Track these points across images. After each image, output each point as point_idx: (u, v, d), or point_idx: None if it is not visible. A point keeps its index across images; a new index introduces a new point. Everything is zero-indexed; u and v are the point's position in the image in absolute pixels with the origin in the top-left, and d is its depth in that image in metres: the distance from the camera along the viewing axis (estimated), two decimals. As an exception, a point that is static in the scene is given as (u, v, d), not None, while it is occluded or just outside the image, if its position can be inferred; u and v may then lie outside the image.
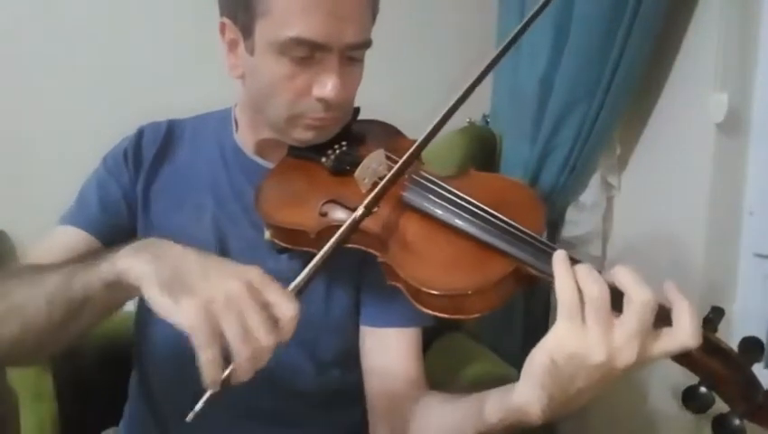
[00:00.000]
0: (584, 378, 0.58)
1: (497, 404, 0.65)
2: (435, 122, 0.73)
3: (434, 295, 0.65)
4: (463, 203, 0.73)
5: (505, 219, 0.69)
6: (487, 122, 1.71)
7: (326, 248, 0.64)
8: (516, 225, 0.68)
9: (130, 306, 1.81)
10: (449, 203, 0.73)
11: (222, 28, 0.83)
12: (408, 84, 1.80)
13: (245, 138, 0.91)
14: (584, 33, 1.38)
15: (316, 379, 0.89)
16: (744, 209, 1.33)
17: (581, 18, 1.38)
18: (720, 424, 0.56)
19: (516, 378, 0.64)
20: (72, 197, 0.96)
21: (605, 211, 1.58)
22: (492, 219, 0.70)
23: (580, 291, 0.57)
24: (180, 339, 0.86)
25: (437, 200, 0.74)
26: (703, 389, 0.57)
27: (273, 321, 0.55)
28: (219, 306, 0.54)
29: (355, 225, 0.68)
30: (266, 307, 0.55)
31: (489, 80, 1.74)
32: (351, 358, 0.89)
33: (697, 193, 1.33)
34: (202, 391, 0.54)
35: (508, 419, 0.64)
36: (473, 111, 1.75)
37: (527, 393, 0.61)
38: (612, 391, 1.64)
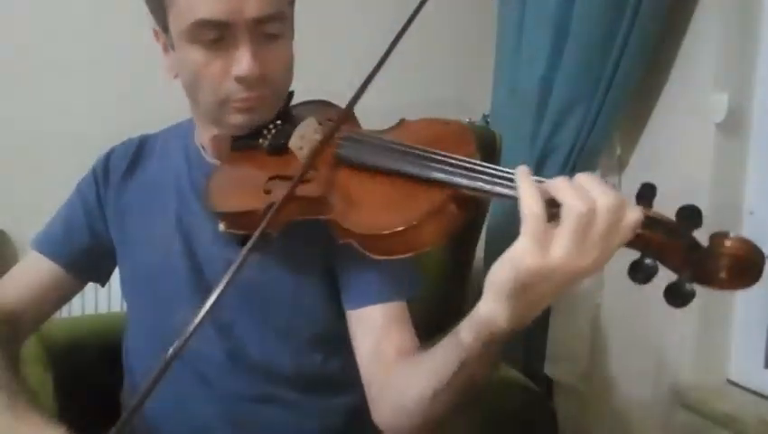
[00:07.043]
0: (546, 286, 0.58)
1: (467, 324, 0.66)
2: (363, 80, 0.74)
3: (382, 236, 0.67)
4: (393, 147, 0.75)
5: (435, 150, 0.71)
6: (487, 122, 1.71)
7: (276, 206, 0.67)
8: (447, 154, 0.70)
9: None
10: (380, 149, 0.76)
11: (156, 35, 0.87)
12: (409, 85, 1.80)
13: (202, 139, 0.93)
14: (584, 33, 1.38)
15: (293, 362, 0.89)
16: (744, 209, 1.33)
17: (581, 18, 1.39)
18: (672, 292, 0.58)
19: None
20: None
21: (605, 211, 1.58)
22: (423, 153, 0.72)
23: (554, 204, 0.56)
24: (158, 340, 0.85)
25: (369, 148, 0.77)
26: (648, 261, 0.59)
27: None
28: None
29: (296, 184, 0.70)
30: None
31: (489, 80, 1.75)
32: (330, 343, 0.89)
33: (697, 193, 1.33)
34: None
35: (481, 334, 0.64)
36: (473, 111, 1.75)
37: (491, 304, 0.62)
38: (608, 387, 1.64)
